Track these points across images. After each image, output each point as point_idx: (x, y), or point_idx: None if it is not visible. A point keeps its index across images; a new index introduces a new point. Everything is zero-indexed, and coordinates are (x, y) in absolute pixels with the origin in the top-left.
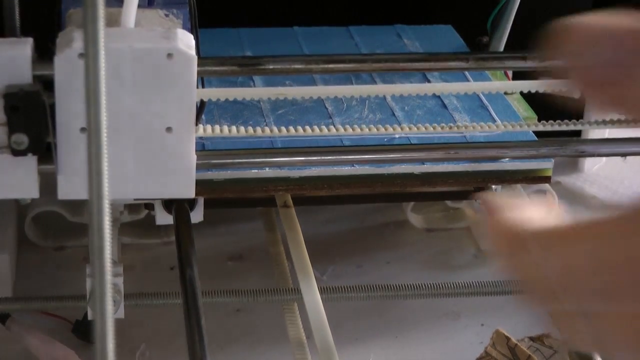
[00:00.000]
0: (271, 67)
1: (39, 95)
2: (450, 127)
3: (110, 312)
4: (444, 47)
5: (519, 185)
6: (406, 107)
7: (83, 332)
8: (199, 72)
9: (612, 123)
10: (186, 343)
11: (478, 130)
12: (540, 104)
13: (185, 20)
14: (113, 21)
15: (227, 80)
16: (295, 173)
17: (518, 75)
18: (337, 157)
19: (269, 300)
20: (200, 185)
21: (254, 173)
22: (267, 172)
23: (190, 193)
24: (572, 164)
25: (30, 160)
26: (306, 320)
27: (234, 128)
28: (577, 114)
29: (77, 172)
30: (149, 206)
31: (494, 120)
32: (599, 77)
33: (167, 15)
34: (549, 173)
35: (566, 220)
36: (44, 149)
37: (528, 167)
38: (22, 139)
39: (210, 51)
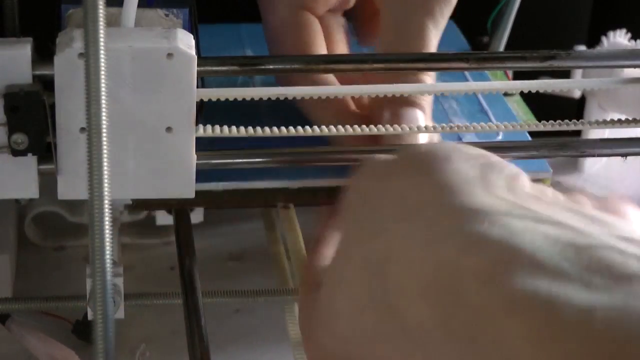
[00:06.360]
0: (271, 67)
1: (39, 95)
2: (451, 128)
3: (110, 312)
4: (445, 45)
5: None
6: None
7: (83, 332)
8: (199, 72)
9: (612, 123)
10: (186, 343)
11: (478, 131)
12: (540, 104)
13: (185, 20)
14: (113, 21)
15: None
16: (294, 184)
17: (518, 75)
18: (338, 155)
19: (269, 300)
20: (200, 195)
21: (253, 184)
22: (267, 183)
23: (190, 193)
24: (572, 164)
25: (30, 160)
26: None
27: (234, 128)
28: (577, 114)
29: (77, 172)
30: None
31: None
32: None
33: (167, 15)
34: (548, 182)
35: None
36: (43, 149)
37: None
38: (22, 139)
39: (210, 48)
